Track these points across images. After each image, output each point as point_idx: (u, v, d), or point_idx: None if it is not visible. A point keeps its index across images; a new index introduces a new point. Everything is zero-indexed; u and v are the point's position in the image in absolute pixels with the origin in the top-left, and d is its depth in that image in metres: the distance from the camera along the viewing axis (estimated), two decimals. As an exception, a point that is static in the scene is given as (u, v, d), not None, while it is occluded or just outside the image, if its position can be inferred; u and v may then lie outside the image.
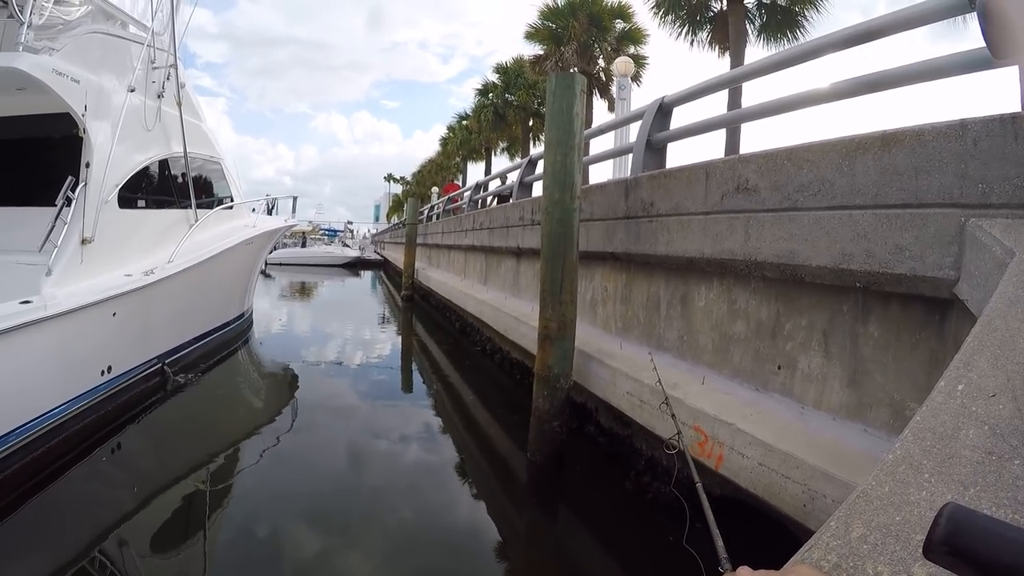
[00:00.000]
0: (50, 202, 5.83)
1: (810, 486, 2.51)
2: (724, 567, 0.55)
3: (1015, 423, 1.20)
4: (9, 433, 4.28)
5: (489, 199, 14.17)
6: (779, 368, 3.31)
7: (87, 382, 5.41)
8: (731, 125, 5.48)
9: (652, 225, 4.45)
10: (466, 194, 15.84)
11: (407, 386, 9.10)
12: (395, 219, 56.24)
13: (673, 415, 3.07)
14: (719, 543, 0.61)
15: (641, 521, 4.13)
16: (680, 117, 5.30)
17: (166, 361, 7.05)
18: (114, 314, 5.77)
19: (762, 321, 3.47)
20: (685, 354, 4.27)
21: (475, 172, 40.95)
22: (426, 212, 22.38)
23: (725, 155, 4.53)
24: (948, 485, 1.37)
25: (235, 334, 10.38)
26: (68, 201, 5.75)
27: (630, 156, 5.55)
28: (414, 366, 10.63)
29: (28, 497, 4.23)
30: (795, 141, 3.14)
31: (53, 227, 5.72)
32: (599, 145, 8.13)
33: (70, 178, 5.82)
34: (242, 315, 10.95)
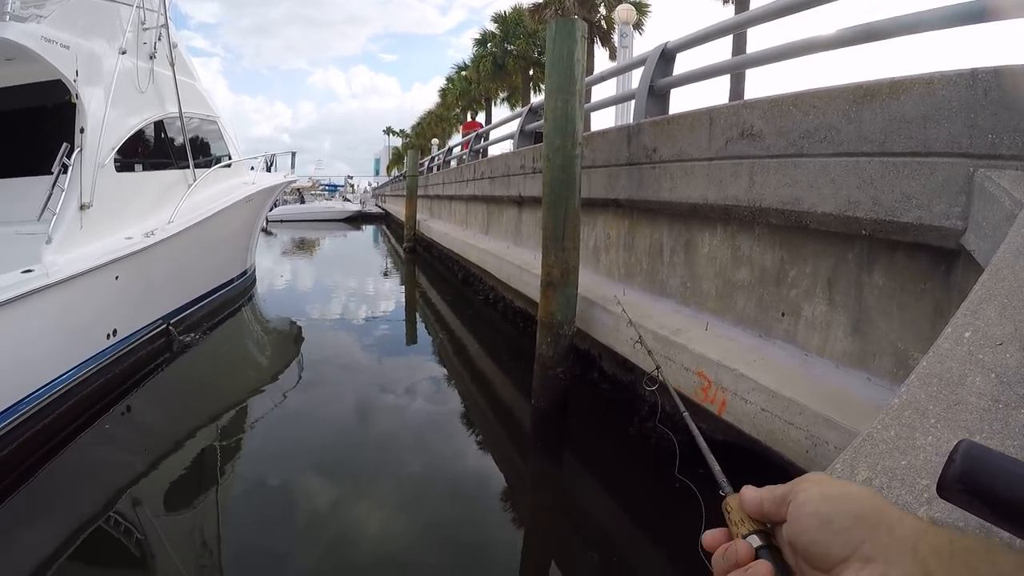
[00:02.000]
0: (47, 171, 5.78)
1: (813, 432, 2.54)
2: (725, 491, 0.54)
3: (1022, 372, 1.20)
4: (19, 402, 4.31)
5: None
6: (783, 315, 3.31)
7: (93, 347, 5.43)
8: (735, 71, 5.37)
9: (655, 171, 4.39)
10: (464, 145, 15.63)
11: (411, 338, 9.16)
12: (395, 172, 55.63)
13: (649, 351, 3.12)
14: (715, 468, 0.60)
15: (645, 466, 4.20)
16: (683, 64, 5.20)
17: (171, 322, 7.08)
18: (117, 277, 5.77)
19: (766, 268, 3.46)
20: (688, 300, 4.28)
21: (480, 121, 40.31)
22: (426, 164, 22.09)
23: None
24: (954, 431, 1.38)
25: (239, 292, 10.40)
26: (64, 168, 5.69)
27: (632, 103, 5.45)
28: (418, 317, 10.67)
29: (42, 463, 4.28)
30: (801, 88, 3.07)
31: (51, 195, 5.69)
32: (601, 93, 8.00)
33: (65, 145, 5.75)
34: (245, 272, 10.96)
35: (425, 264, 16.43)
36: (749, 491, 0.53)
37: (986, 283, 1.46)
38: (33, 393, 4.48)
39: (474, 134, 15.07)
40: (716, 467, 0.67)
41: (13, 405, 4.25)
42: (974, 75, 2.19)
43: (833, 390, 2.72)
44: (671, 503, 3.72)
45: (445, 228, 14.53)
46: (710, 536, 0.54)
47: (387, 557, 3.42)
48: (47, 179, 5.76)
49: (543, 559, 3.52)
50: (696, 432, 0.82)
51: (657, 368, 2.56)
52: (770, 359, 3.18)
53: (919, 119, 2.36)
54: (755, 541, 0.51)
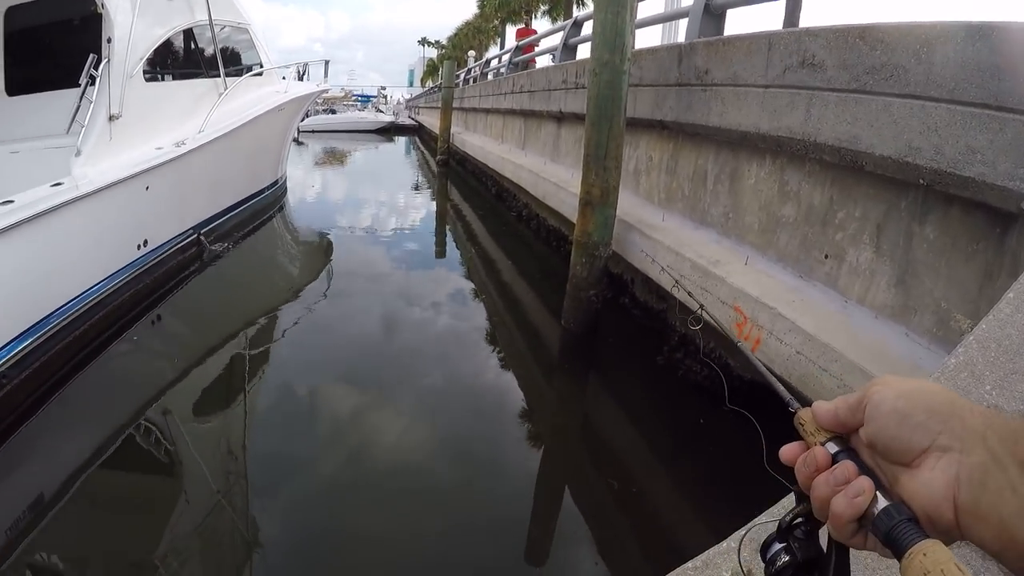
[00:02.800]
0: (74, 84, 5.65)
1: (846, 381, 2.49)
2: (794, 407, 0.56)
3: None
4: (52, 313, 4.36)
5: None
6: (826, 257, 3.20)
7: (124, 257, 5.45)
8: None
9: (705, 94, 4.20)
10: (504, 57, 15.08)
11: (442, 252, 9.19)
12: (430, 84, 54.30)
13: (690, 293, 3.06)
14: (780, 388, 0.61)
15: (670, 396, 4.21)
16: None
17: (202, 231, 7.10)
18: (147, 188, 5.74)
19: (813, 206, 3.32)
20: (729, 232, 4.17)
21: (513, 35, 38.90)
22: (462, 76, 21.49)
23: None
24: (1009, 402, 1.33)
25: (269, 201, 10.39)
26: (92, 79, 5.55)
27: (683, 22, 5.16)
28: (448, 232, 10.66)
29: (74, 373, 4.37)
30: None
31: (79, 107, 5.58)
32: (645, 12, 7.58)
33: (92, 56, 5.58)
34: (276, 182, 10.90)
35: (457, 178, 16.26)
36: (822, 404, 0.56)
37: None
38: (66, 304, 4.53)
39: (514, 46, 14.52)
40: (780, 387, 0.68)
41: (47, 316, 4.30)
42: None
43: (871, 341, 2.64)
44: (694, 436, 3.76)
45: (480, 142, 14.27)
46: (788, 450, 0.57)
47: (407, 467, 3.53)
48: (75, 92, 5.64)
49: (560, 481, 3.59)
50: (756, 360, 0.81)
51: (701, 307, 2.53)
52: (809, 301, 3.10)
53: (993, 69, 2.17)
54: (832, 447, 0.53)
